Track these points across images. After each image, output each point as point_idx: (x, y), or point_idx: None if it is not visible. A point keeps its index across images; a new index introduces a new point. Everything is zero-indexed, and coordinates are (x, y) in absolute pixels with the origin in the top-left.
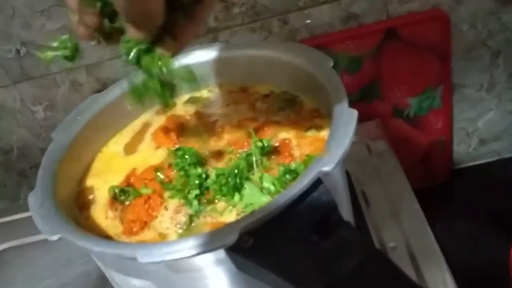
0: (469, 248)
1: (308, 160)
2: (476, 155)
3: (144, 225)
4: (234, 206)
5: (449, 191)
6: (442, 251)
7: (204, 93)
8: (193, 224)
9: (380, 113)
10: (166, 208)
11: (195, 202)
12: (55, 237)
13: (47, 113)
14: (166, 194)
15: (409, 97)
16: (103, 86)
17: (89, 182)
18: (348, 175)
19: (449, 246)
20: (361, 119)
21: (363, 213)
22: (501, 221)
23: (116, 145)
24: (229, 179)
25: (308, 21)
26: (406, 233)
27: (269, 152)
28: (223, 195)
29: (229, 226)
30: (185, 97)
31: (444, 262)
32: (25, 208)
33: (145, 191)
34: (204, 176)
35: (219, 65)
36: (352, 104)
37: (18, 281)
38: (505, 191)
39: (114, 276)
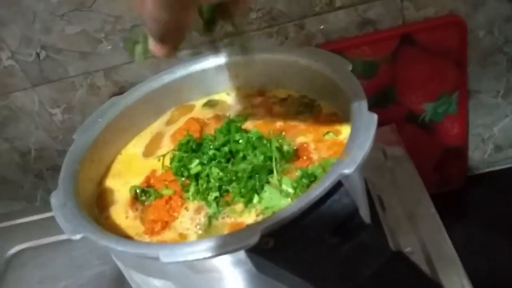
0: (483, 254)
1: (325, 163)
2: (491, 161)
3: (166, 225)
4: (253, 207)
5: (464, 198)
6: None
7: (222, 96)
8: (212, 224)
9: (396, 118)
10: (186, 209)
11: (214, 204)
12: (77, 237)
13: (64, 115)
14: (187, 195)
15: (425, 103)
16: (120, 90)
17: (109, 183)
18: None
19: (463, 253)
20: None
21: (380, 218)
22: None
23: (135, 147)
24: (248, 182)
25: (324, 26)
26: (422, 238)
27: (289, 154)
28: (242, 197)
29: (250, 227)
30: (204, 100)
31: (462, 268)
32: (42, 210)
33: (166, 192)
34: (222, 178)
35: (237, 68)
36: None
37: (35, 282)
38: None
39: (133, 276)
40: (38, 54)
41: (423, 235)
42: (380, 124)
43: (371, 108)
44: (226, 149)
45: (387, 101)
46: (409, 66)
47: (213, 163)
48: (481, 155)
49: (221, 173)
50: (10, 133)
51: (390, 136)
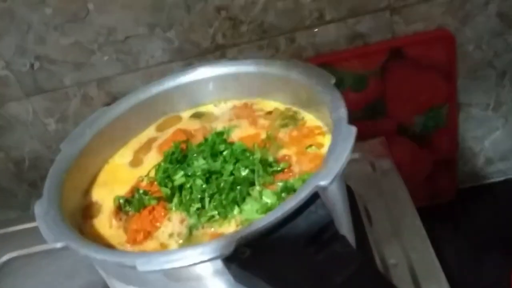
0: (473, 268)
1: (305, 177)
2: (482, 174)
3: (148, 235)
4: (233, 218)
5: (455, 211)
6: (445, 270)
7: (209, 108)
8: (193, 234)
9: (385, 130)
10: (169, 219)
11: (195, 215)
12: (58, 245)
13: (58, 125)
14: (170, 205)
15: (415, 116)
16: (113, 100)
17: (95, 192)
18: (351, 192)
19: (452, 266)
20: (366, 137)
21: (366, 230)
22: (505, 242)
23: (122, 157)
24: (229, 194)
25: (314, 39)
26: (407, 250)
27: (271, 167)
28: (223, 208)
29: (226, 237)
30: (191, 111)
31: (445, 280)
32: (34, 218)
33: (150, 202)
34: (205, 190)
35: (225, 81)
36: (357, 122)
37: None
38: (511, 212)
39: (115, 285)
40: (32, 65)
41: (408, 248)
42: (370, 136)
43: (361, 121)
44: (211, 163)
45: (377, 114)
46: (398, 79)
47: (198, 175)
48: (472, 168)
49: (204, 185)
50: (4, 142)
51: (379, 148)
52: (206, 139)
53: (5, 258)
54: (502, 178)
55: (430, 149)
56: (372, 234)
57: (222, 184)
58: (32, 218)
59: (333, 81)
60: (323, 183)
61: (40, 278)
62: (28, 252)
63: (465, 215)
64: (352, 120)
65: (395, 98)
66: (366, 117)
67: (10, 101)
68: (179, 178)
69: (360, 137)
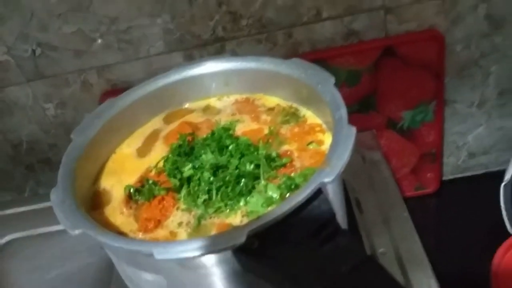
0: (454, 257)
1: (307, 172)
2: (464, 167)
3: (158, 223)
4: (239, 209)
5: (438, 201)
6: (428, 258)
7: (213, 102)
8: (201, 224)
9: (375, 124)
10: (178, 209)
11: (203, 206)
12: (76, 232)
13: (57, 110)
14: (179, 196)
15: (403, 111)
16: (112, 87)
17: (104, 181)
18: (343, 183)
19: (435, 254)
20: (357, 130)
21: (356, 219)
22: (485, 232)
23: (129, 147)
24: (236, 187)
25: (311, 35)
26: (395, 239)
27: (274, 162)
28: (230, 199)
29: (237, 228)
30: (196, 104)
31: (430, 268)
32: (31, 201)
33: (160, 192)
34: (213, 182)
35: (230, 76)
36: (349, 115)
37: (25, 272)
38: (491, 203)
39: (126, 269)
40: (34, 51)
41: (396, 237)
42: (361, 129)
43: (353, 114)
44: (218, 158)
45: (369, 108)
46: (390, 76)
47: (205, 168)
48: (456, 161)
49: (212, 178)
50: (3, 125)
51: (369, 141)
52: (213, 133)
53: (3, 240)
54: (483, 171)
55: (416, 143)
56: (363, 224)
57: (228, 178)
58: (28, 201)
59: (333, 81)
60: (327, 180)
61: (38, 260)
62: (25, 234)
63: (447, 205)
64: None
65: (386, 94)
66: (358, 111)
67: (10, 86)
68: (187, 170)
69: None
